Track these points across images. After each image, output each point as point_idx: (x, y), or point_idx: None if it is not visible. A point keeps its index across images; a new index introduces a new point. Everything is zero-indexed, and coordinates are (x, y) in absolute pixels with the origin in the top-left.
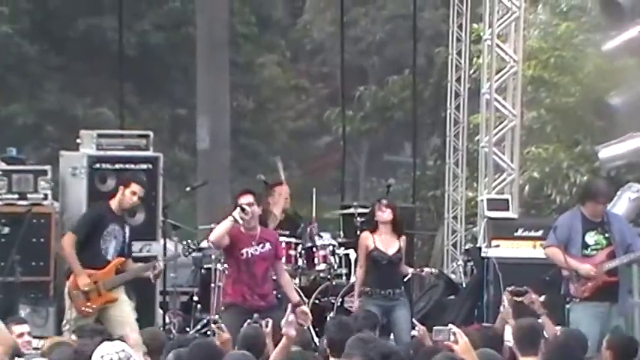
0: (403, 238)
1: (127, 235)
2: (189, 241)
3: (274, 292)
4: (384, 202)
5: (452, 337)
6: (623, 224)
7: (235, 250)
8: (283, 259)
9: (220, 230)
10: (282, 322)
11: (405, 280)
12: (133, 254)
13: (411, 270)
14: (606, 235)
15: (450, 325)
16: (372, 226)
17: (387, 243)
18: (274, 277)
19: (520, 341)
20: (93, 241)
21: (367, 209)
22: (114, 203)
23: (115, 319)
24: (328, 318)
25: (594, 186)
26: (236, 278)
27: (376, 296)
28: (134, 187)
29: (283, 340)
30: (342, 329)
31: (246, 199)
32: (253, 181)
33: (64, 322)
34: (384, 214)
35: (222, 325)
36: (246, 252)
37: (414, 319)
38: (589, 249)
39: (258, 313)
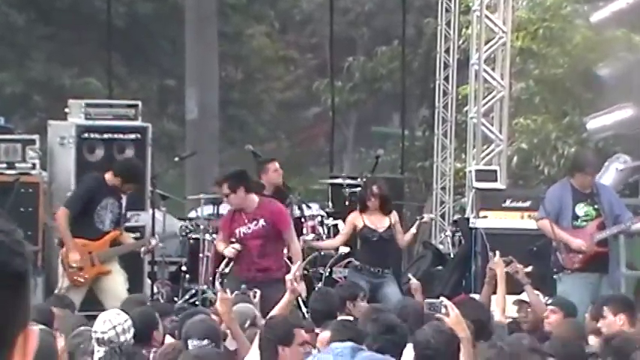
0: (394, 213)
1: (124, 205)
2: (188, 223)
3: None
4: (375, 190)
5: (443, 310)
6: (612, 195)
7: (232, 229)
8: None
9: (220, 250)
10: (288, 276)
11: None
12: None
13: (412, 230)
14: (595, 206)
15: (442, 298)
16: (362, 206)
17: (376, 221)
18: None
19: None
20: (86, 214)
21: (355, 180)
22: (108, 179)
23: (107, 289)
24: (316, 288)
25: (583, 157)
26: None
27: (365, 272)
28: (133, 187)
29: (287, 294)
30: (325, 300)
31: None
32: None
33: (57, 290)
34: (370, 202)
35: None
36: (239, 231)
37: (409, 274)
38: (579, 220)
39: (248, 283)
